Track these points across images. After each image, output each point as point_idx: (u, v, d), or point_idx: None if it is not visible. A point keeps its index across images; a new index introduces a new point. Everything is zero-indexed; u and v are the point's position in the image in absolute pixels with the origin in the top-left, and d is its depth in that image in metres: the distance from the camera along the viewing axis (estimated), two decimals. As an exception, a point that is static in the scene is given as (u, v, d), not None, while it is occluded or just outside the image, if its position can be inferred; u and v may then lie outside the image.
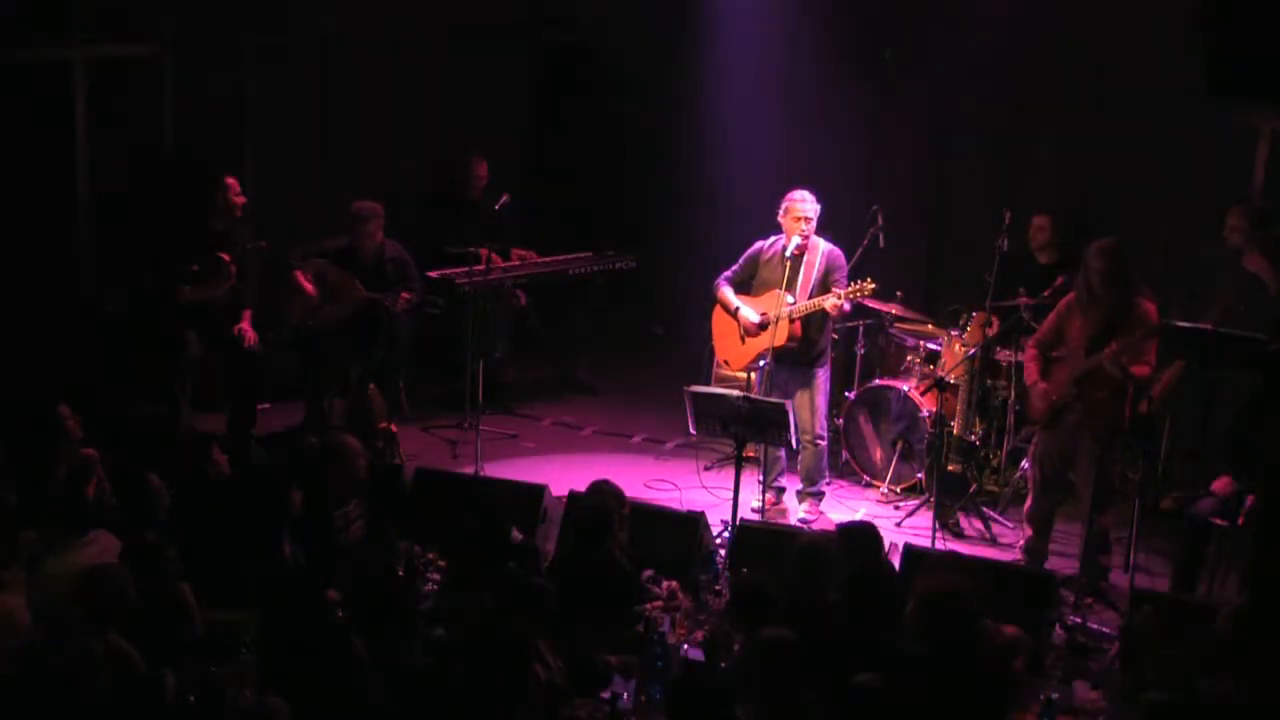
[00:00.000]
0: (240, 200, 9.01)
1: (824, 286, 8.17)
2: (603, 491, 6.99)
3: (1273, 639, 5.49)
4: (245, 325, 8.95)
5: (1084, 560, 7.52)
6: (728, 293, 8.41)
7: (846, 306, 8.20)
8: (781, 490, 8.62)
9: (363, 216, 9.12)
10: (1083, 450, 7.57)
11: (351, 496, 7.16)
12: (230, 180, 9.00)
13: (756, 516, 8.11)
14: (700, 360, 9.24)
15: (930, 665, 5.48)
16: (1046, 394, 7.54)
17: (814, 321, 8.23)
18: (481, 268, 9.35)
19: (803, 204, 8.15)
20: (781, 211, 8.20)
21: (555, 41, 11.40)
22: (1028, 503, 7.85)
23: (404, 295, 8.99)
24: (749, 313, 8.31)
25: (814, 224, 8.19)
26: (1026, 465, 8.30)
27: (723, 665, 6.00)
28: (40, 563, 6.33)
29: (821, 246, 8.24)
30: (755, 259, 8.40)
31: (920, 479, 8.71)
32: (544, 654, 5.80)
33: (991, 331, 8.49)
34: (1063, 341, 7.62)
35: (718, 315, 8.53)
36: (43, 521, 6.55)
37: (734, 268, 8.45)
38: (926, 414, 8.61)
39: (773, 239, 8.36)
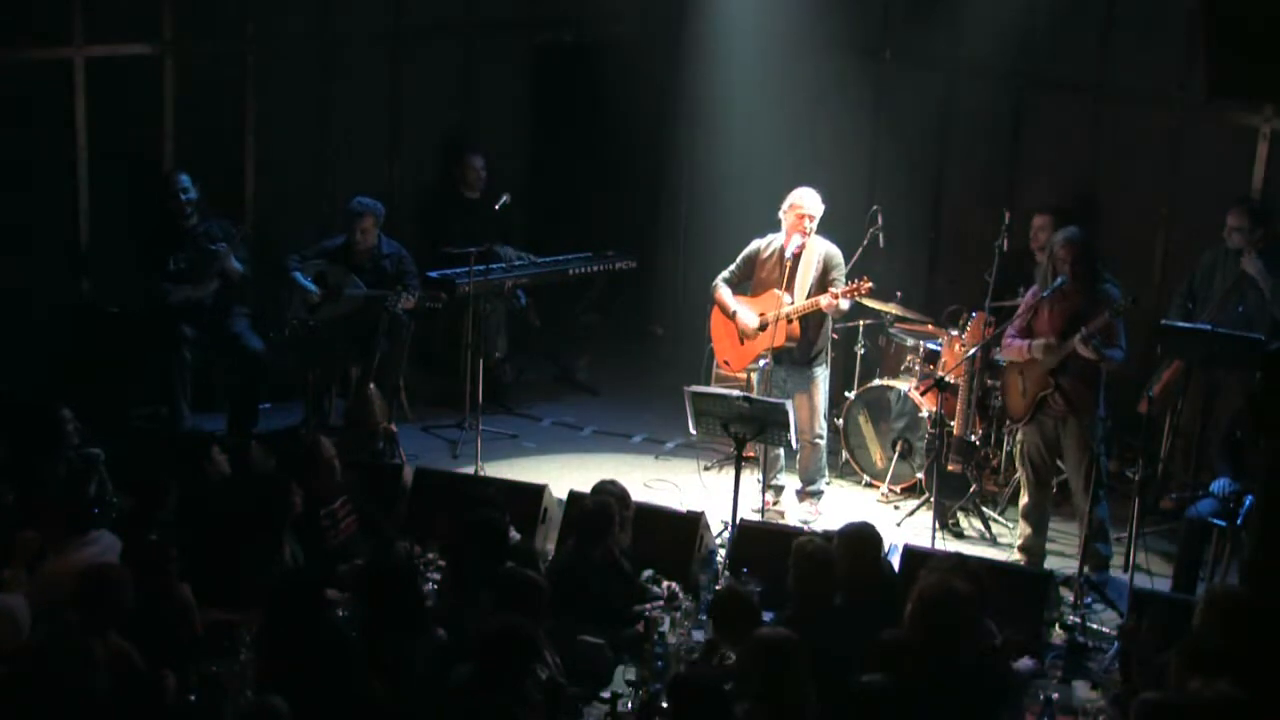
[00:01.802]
0: (185, 197, 8.94)
1: (822, 285, 8.17)
2: (606, 491, 6.99)
3: (1270, 637, 5.49)
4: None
5: (1084, 551, 7.54)
6: (725, 295, 8.40)
7: (843, 304, 8.19)
8: (781, 489, 8.61)
9: (358, 213, 9.12)
10: (1069, 442, 7.65)
11: (336, 495, 7.15)
12: (179, 176, 8.95)
13: (756, 516, 8.10)
14: (700, 360, 9.24)
15: (930, 665, 5.48)
16: (1033, 374, 7.57)
17: (813, 321, 8.23)
18: (484, 265, 9.35)
19: (809, 203, 8.13)
20: (786, 208, 8.18)
21: (555, 41, 11.39)
22: (1022, 500, 7.90)
23: (406, 297, 8.97)
24: (746, 317, 8.30)
25: (816, 223, 8.19)
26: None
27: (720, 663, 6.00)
28: (40, 563, 6.33)
29: (819, 245, 8.23)
30: (753, 259, 8.39)
31: (920, 479, 8.71)
32: (544, 653, 5.80)
33: (991, 332, 8.50)
34: (1032, 334, 7.67)
35: (716, 316, 8.52)
36: (43, 521, 6.55)
37: (731, 268, 8.45)
38: (926, 414, 8.61)
39: (770, 238, 8.35)
